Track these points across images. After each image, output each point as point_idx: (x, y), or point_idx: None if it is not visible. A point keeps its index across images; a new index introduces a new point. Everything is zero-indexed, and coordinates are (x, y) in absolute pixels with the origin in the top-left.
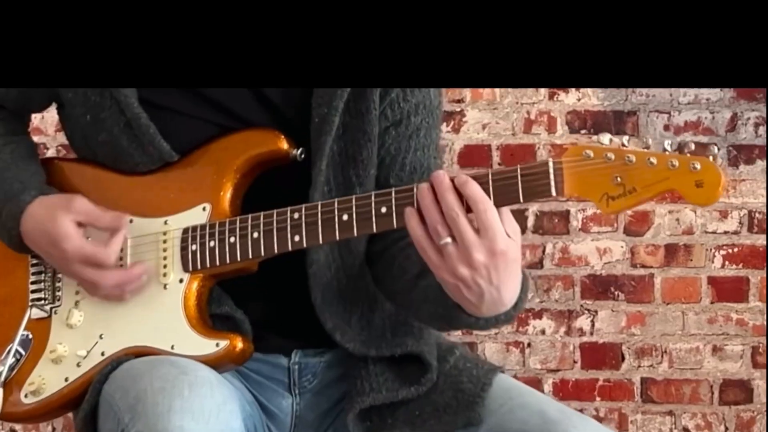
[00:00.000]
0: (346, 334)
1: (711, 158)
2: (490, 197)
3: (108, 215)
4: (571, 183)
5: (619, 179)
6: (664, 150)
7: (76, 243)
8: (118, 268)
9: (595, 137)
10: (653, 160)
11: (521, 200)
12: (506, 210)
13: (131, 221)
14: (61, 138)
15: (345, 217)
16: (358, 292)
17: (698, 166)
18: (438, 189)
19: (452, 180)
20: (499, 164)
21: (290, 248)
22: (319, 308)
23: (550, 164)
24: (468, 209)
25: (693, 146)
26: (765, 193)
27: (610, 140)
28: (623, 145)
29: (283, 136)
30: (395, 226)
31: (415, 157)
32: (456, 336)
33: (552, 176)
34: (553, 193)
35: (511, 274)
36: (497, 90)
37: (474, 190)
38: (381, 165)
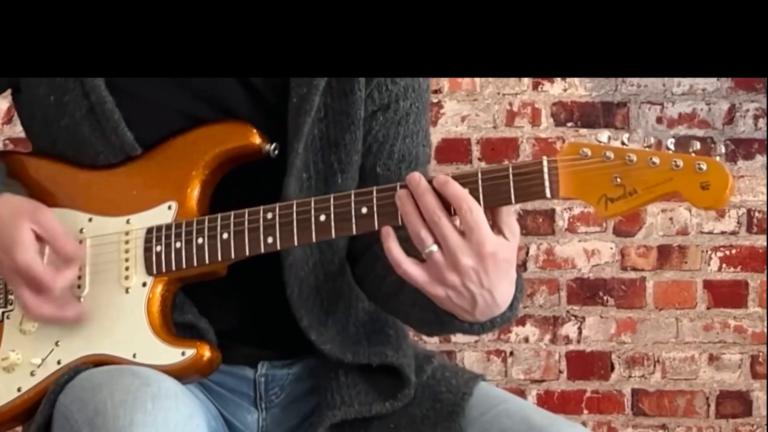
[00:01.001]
0: (322, 334)
1: (718, 158)
2: (479, 197)
3: (69, 243)
4: (567, 183)
5: (618, 180)
6: (667, 149)
7: (28, 257)
8: (55, 302)
9: (583, 130)
10: (656, 159)
11: (513, 201)
12: (508, 208)
13: (90, 219)
14: (9, 131)
15: (322, 217)
16: (335, 293)
17: (704, 167)
18: (415, 192)
19: (431, 181)
20: (479, 159)
21: (263, 250)
22: (294, 304)
23: (545, 163)
24: (454, 212)
25: (698, 145)
26: (765, 191)
27: (609, 138)
28: (623, 143)
29: (255, 130)
30: (377, 228)
31: (403, 144)
32: (433, 344)
33: (546, 176)
34: (548, 194)
35: (502, 275)
36: (477, 79)
37: (455, 189)
38: (368, 153)
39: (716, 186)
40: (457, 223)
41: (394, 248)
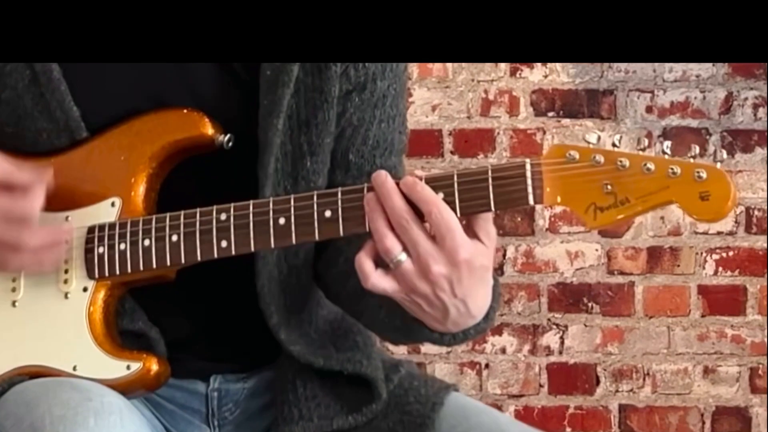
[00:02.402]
0: (292, 333)
1: (719, 165)
2: (455, 204)
3: (25, 170)
4: (552, 190)
5: (609, 187)
6: (663, 153)
7: None
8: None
9: (566, 120)
10: (650, 165)
11: (492, 209)
12: (487, 213)
13: None
14: None
15: (282, 220)
16: (299, 290)
17: (704, 175)
18: (379, 192)
19: (398, 183)
20: (451, 152)
21: (216, 255)
22: (264, 299)
23: (528, 166)
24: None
25: (697, 149)
26: (765, 187)
27: (599, 139)
28: (614, 145)
29: (207, 120)
30: (341, 234)
31: (379, 129)
32: (401, 354)
33: (530, 181)
34: (531, 201)
35: (477, 283)
36: (449, 65)
37: (423, 192)
38: (341, 137)
39: (717, 197)
40: (428, 227)
41: (365, 262)
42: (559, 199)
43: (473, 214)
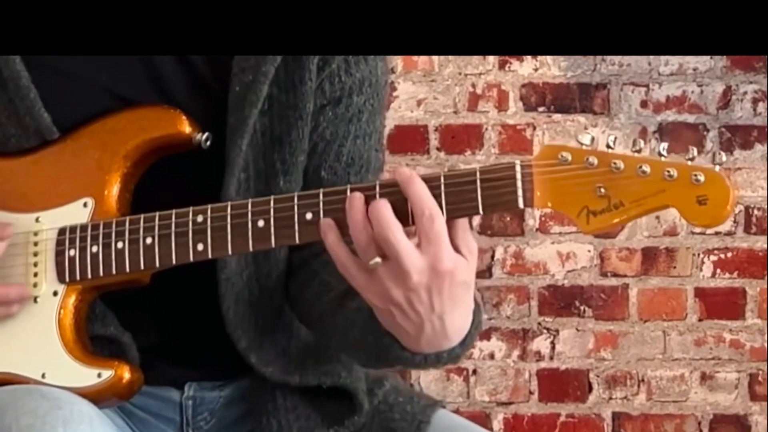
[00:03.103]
0: (263, 357)
1: (717, 168)
2: (441, 206)
3: None
4: (543, 192)
5: (603, 190)
6: (660, 155)
7: None
8: None
9: (557, 116)
10: (646, 168)
11: (480, 212)
12: (464, 222)
13: None
14: None
15: (261, 223)
16: (272, 311)
17: (702, 178)
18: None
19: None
20: (437, 149)
21: (192, 258)
22: (230, 322)
23: (518, 168)
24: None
25: (695, 152)
26: (765, 185)
27: (593, 140)
28: (609, 146)
29: (184, 117)
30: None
31: (354, 146)
32: None
33: (519, 183)
34: (521, 204)
35: (458, 300)
36: (435, 58)
37: (420, 190)
38: (312, 153)
39: (715, 201)
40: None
41: (337, 247)
42: (550, 203)
43: (461, 217)
